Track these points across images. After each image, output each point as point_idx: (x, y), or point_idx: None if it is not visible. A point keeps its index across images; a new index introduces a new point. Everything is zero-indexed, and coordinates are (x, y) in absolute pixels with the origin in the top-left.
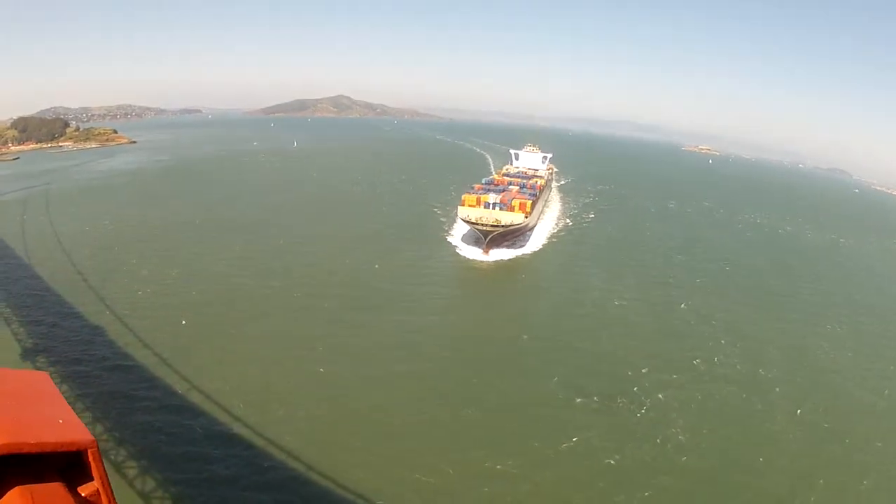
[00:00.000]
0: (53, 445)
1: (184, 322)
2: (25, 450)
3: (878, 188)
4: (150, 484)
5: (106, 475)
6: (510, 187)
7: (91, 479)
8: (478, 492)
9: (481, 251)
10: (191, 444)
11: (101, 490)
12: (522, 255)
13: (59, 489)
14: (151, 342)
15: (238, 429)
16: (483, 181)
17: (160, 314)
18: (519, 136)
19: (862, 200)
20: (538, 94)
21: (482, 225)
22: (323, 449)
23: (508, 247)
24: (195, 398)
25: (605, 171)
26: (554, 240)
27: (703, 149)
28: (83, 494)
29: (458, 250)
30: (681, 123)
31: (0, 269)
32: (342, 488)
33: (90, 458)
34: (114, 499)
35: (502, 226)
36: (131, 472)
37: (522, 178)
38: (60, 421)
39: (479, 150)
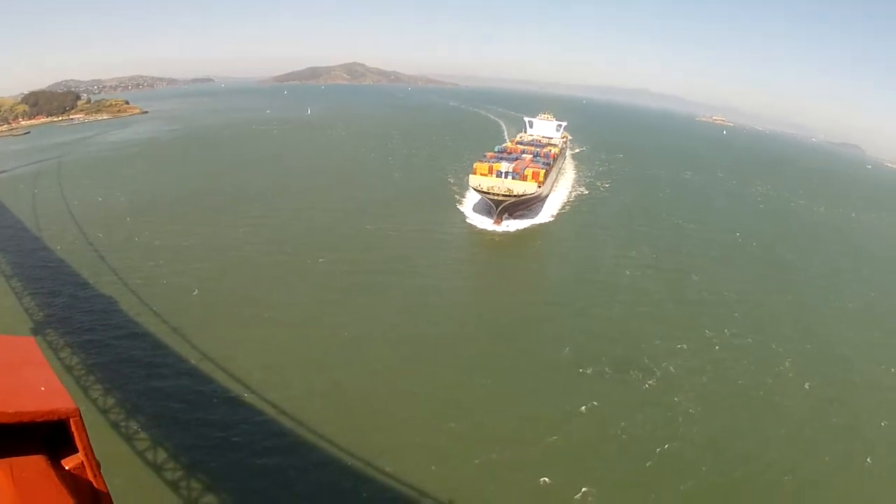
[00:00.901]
0: (32, 415)
1: (195, 292)
2: (2, 420)
3: (890, 165)
4: (161, 454)
5: (90, 446)
6: (523, 156)
7: (76, 451)
8: (487, 456)
9: (492, 221)
10: (203, 411)
11: (85, 462)
12: (535, 224)
13: (41, 462)
14: (164, 312)
15: (251, 396)
16: (496, 149)
17: (173, 284)
18: (533, 105)
19: (875, 176)
20: (554, 62)
21: (494, 194)
22: (334, 413)
23: (520, 217)
24: (207, 367)
25: (619, 140)
26: (567, 209)
27: (716, 119)
28: (67, 468)
29: (468, 220)
30: (696, 93)
31: (13, 242)
32: (352, 452)
33: (73, 428)
34: (99, 471)
35: (514, 195)
36: (143, 444)
37: (536, 146)
38: (42, 388)
39: (493, 118)
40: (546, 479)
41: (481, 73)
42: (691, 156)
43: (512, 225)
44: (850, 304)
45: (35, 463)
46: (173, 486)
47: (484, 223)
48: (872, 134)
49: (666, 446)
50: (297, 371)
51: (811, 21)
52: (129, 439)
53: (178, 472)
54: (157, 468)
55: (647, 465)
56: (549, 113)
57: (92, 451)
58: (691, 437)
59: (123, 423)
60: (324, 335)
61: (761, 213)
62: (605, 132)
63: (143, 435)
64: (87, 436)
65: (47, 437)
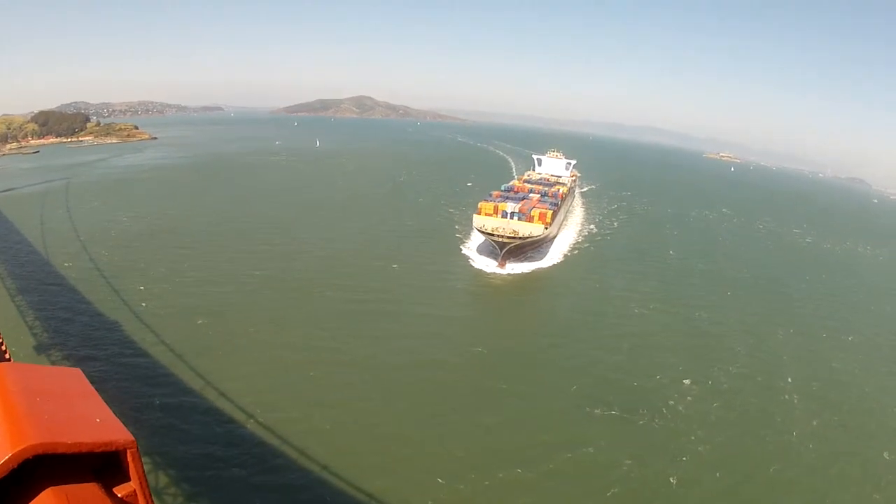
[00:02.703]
0: (90, 445)
1: (200, 321)
2: (61, 450)
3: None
4: (163, 480)
5: (144, 475)
6: (531, 195)
7: (127, 479)
8: (492, 499)
9: (496, 264)
10: (204, 442)
11: (138, 491)
12: (541, 268)
13: (95, 490)
14: (167, 339)
15: (253, 427)
16: (502, 188)
17: (176, 312)
18: (540, 140)
19: (881, 210)
20: (560, 98)
21: (498, 236)
22: (335, 450)
23: (527, 259)
24: (209, 392)
25: (627, 177)
26: (576, 251)
27: (724, 156)
28: (119, 495)
29: (472, 262)
30: (702, 130)
31: (17, 261)
32: (354, 489)
33: (129, 458)
34: (151, 499)
35: (520, 238)
36: (146, 467)
37: (544, 185)
38: (98, 420)
39: (501, 154)
40: None
41: (486, 108)
42: (700, 192)
43: (517, 268)
44: (857, 340)
45: (89, 490)
46: None
47: (488, 265)
48: (879, 166)
49: (677, 490)
50: (295, 408)
51: (818, 55)
52: None
53: (178, 498)
54: (157, 492)
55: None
56: (558, 151)
57: (146, 480)
58: (700, 480)
59: None
60: (325, 361)
61: (768, 248)
62: (613, 169)
63: (144, 459)
64: (142, 466)
65: (98, 465)
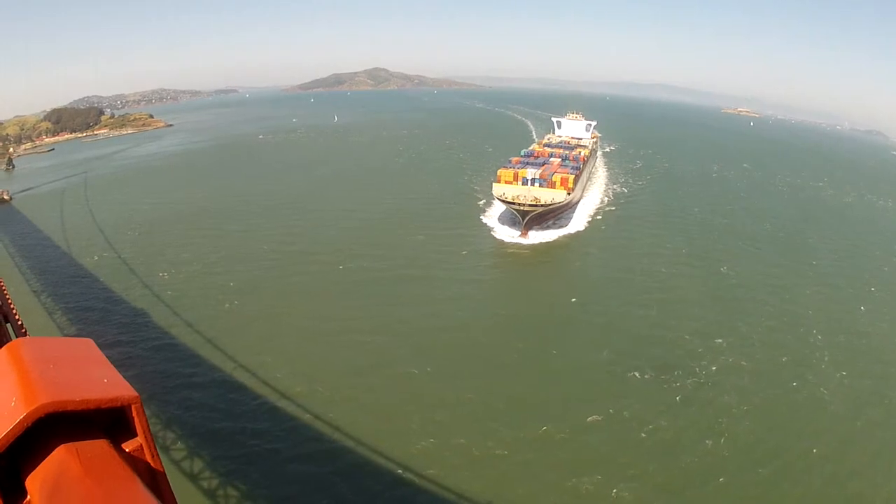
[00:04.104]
0: (97, 402)
1: (227, 305)
2: (70, 407)
3: None
4: (198, 464)
5: (149, 430)
6: (551, 159)
7: (134, 435)
8: (523, 457)
9: (519, 234)
10: (237, 419)
11: (144, 445)
12: (566, 235)
13: (104, 445)
14: (196, 323)
15: (283, 403)
16: (522, 153)
17: (204, 296)
18: (557, 102)
19: None
20: (575, 60)
21: (519, 204)
22: (371, 415)
23: (550, 227)
24: (240, 376)
25: (646, 135)
26: (600, 216)
27: (742, 111)
28: (127, 450)
29: (494, 233)
30: (717, 85)
31: (42, 258)
32: (386, 455)
33: (134, 414)
34: (157, 453)
35: (542, 205)
36: (180, 454)
37: (565, 148)
38: (105, 380)
39: (519, 117)
40: (586, 480)
41: (502, 73)
42: (719, 147)
43: (541, 236)
44: (875, 289)
45: (99, 445)
46: (210, 494)
47: (511, 235)
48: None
49: (709, 443)
50: (329, 377)
51: (833, 5)
52: (165, 450)
53: (214, 480)
54: (194, 478)
55: (691, 462)
56: (577, 112)
57: (151, 434)
58: (735, 435)
59: (160, 435)
60: (354, 342)
61: (789, 202)
62: (631, 128)
63: (179, 445)
64: (146, 421)
65: (108, 425)
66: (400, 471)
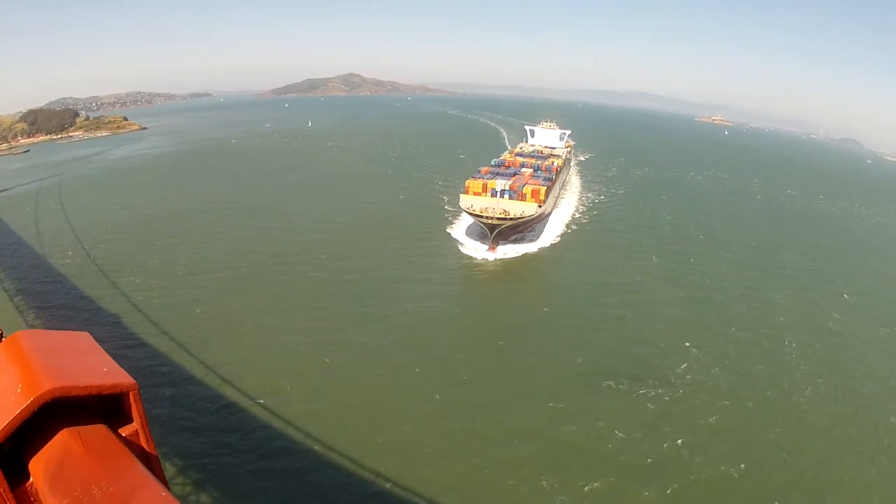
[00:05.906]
0: (99, 388)
1: (198, 310)
2: (75, 393)
3: (889, 158)
4: (169, 470)
5: (145, 416)
6: (523, 170)
7: (130, 421)
8: (486, 456)
9: (487, 248)
10: (208, 430)
11: (140, 430)
12: (536, 250)
13: (103, 430)
14: (168, 327)
15: (256, 411)
16: (492, 162)
17: (177, 299)
18: (531, 110)
19: (875, 171)
20: (547, 68)
21: (487, 217)
22: (339, 429)
23: (520, 240)
24: (212, 379)
25: (621, 144)
26: (573, 227)
27: (716, 119)
28: (124, 435)
29: (460, 247)
30: (690, 94)
31: (15, 260)
32: (360, 468)
33: (132, 399)
34: (151, 438)
35: (511, 218)
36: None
37: (538, 157)
38: (104, 369)
39: (493, 125)
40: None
41: (477, 80)
42: (693, 155)
43: (510, 250)
44: (849, 297)
45: (98, 430)
46: (183, 500)
47: (478, 250)
48: (871, 127)
49: (684, 452)
50: (302, 378)
51: (807, 16)
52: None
53: (187, 487)
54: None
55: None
56: (551, 121)
57: (146, 421)
58: (708, 444)
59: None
60: (322, 342)
61: (764, 210)
62: (606, 137)
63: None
64: (143, 408)
65: (104, 412)
66: (365, 466)
